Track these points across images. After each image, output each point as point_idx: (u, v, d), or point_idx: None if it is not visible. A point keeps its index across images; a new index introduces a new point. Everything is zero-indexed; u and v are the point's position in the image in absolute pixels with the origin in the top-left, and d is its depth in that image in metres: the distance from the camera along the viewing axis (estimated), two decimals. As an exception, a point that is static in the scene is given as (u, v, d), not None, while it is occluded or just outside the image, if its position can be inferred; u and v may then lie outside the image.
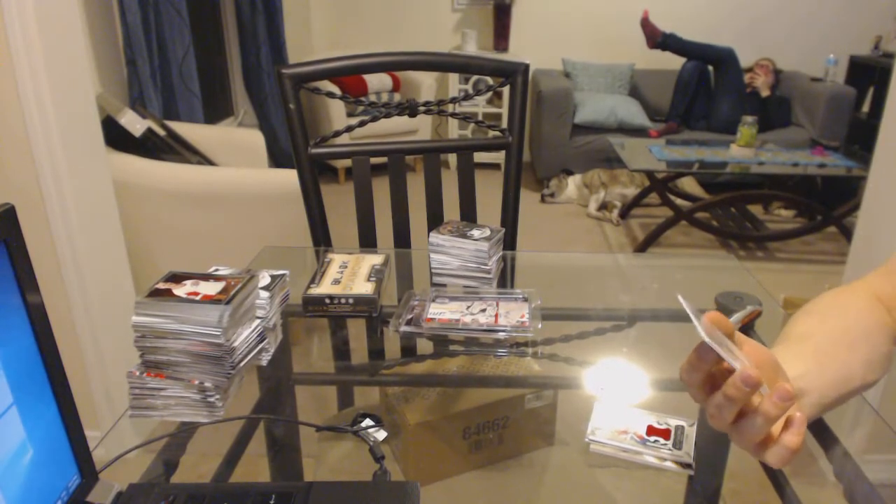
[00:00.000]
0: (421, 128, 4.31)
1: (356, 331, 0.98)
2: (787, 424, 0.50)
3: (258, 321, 0.79)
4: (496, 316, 0.92)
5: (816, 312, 0.64)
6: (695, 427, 0.70)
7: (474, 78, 4.41)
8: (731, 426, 0.51)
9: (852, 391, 0.57)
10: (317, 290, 0.96)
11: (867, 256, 1.75)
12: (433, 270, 1.05)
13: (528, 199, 4.12)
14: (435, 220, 1.35)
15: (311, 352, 0.97)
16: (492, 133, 1.39)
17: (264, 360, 0.81)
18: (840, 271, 2.28)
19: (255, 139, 2.77)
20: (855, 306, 0.63)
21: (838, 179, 3.77)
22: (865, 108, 4.56)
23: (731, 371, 0.50)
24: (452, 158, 4.24)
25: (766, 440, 0.51)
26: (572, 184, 4.09)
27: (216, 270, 0.80)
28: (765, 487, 0.67)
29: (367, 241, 1.34)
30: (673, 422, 0.70)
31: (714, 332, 0.51)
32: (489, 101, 4.67)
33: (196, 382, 0.71)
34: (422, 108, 1.32)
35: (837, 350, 0.58)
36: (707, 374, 0.52)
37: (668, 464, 0.65)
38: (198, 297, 0.71)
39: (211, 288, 0.73)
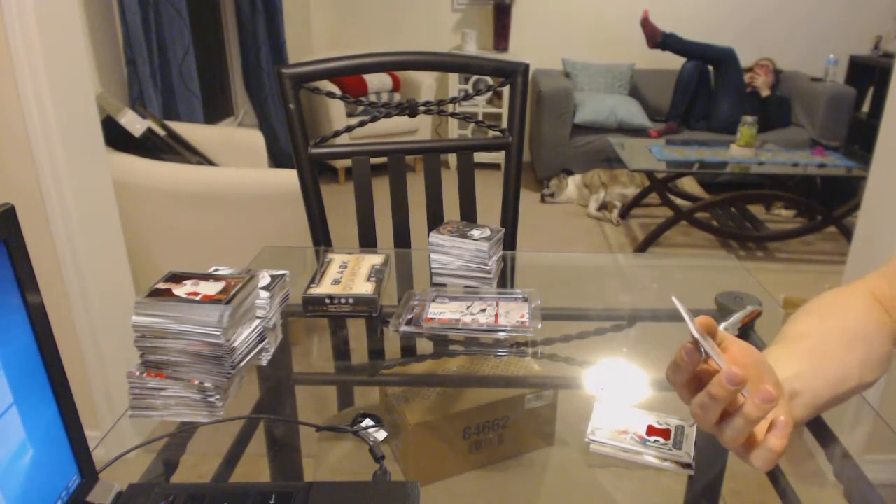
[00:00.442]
0: (421, 128, 4.31)
1: (356, 331, 0.98)
2: (772, 427, 0.50)
3: (258, 321, 0.79)
4: (496, 316, 0.92)
5: (815, 313, 0.64)
6: (695, 427, 0.70)
7: (474, 78, 4.41)
8: (716, 427, 0.51)
9: (849, 391, 0.57)
10: (317, 290, 0.96)
11: (867, 256, 1.75)
12: (433, 270, 1.05)
13: (528, 199, 4.12)
14: (435, 220, 1.35)
15: (311, 352, 0.97)
16: (492, 133, 1.39)
17: (264, 360, 0.81)
18: (840, 271, 2.28)
19: (255, 139, 2.77)
20: (854, 307, 0.63)
21: (838, 179, 3.77)
22: (865, 108, 4.55)
23: (716, 372, 0.50)
24: (452, 158, 4.24)
25: (750, 442, 0.51)
26: (572, 184, 4.09)
27: (216, 270, 0.80)
28: (765, 487, 0.67)
29: (367, 241, 1.34)
30: (673, 422, 0.70)
31: (703, 336, 0.51)
32: (489, 101, 4.67)
33: (196, 382, 0.71)
34: (422, 108, 1.32)
35: (834, 350, 0.58)
36: (692, 375, 0.52)
37: (668, 464, 0.65)
38: (198, 297, 0.71)
39: (211, 288, 0.73)
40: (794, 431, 0.52)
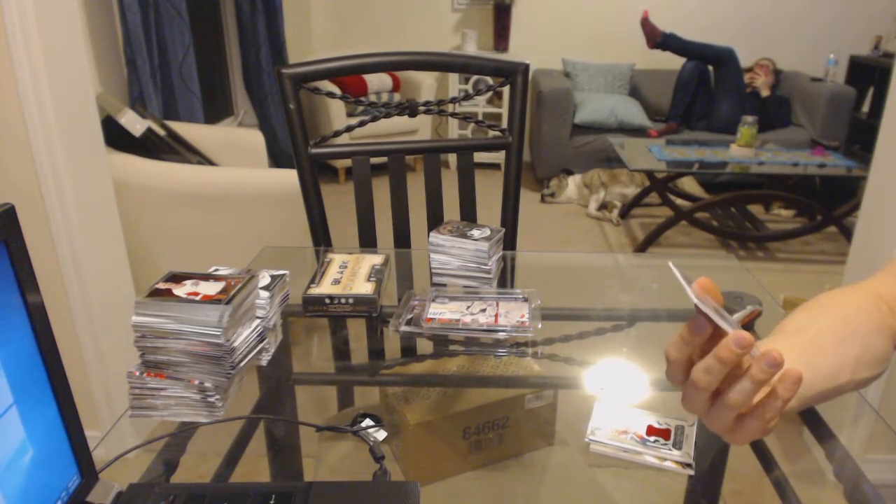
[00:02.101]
0: (421, 128, 4.31)
1: (356, 331, 0.98)
2: (769, 396, 0.51)
3: (258, 321, 0.79)
4: (496, 316, 0.92)
5: (814, 309, 0.64)
6: (695, 427, 0.70)
7: (474, 78, 4.41)
8: (708, 404, 0.51)
9: (841, 387, 0.57)
10: (317, 290, 0.96)
11: (867, 256, 1.75)
12: (433, 270, 1.05)
13: (528, 199, 4.12)
14: (435, 220, 1.35)
15: (311, 352, 0.97)
16: (492, 133, 1.39)
17: (264, 360, 0.81)
18: (840, 271, 2.28)
19: (255, 139, 2.77)
20: (855, 304, 0.63)
21: (838, 179, 3.77)
22: (865, 108, 4.56)
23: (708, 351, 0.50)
24: (452, 158, 4.24)
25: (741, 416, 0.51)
26: (572, 184, 4.09)
27: (216, 270, 0.80)
28: (765, 487, 0.67)
29: (367, 241, 1.34)
30: (673, 422, 0.70)
31: (705, 299, 0.51)
32: (489, 101, 4.67)
33: (196, 382, 0.71)
34: (422, 108, 1.32)
35: (829, 345, 0.58)
36: (702, 347, 0.52)
37: (668, 464, 0.65)
38: (198, 297, 0.71)
39: (211, 288, 0.73)
40: (787, 424, 0.52)
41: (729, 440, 0.53)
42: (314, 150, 1.29)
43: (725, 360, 0.49)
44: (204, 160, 2.44)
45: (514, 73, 1.32)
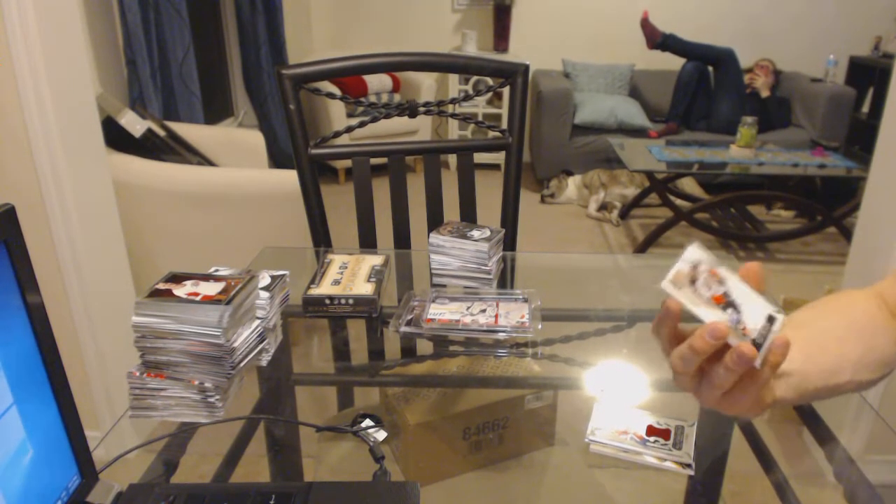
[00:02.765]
0: (421, 128, 4.31)
1: (356, 331, 0.98)
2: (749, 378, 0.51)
3: (258, 321, 0.79)
4: (496, 316, 0.92)
5: (818, 308, 0.64)
6: (695, 427, 0.70)
7: (474, 78, 4.41)
8: (694, 383, 0.52)
9: (840, 386, 0.57)
10: (317, 291, 0.96)
11: (867, 257, 1.75)
12: (433, 271, 1.05)
13: (528, 200, 4.12)
14: (435, 220, 1.35)
15: (311, 352, 0.97)
16: (492, 133, 1.39)
17: (264, 360, 0.81)
18: (840, 272, 2.28)
19: (255, 139, 2.77)
20: (859, 306, 0.63)
21: (838, 180, 3.77)
22: (865, 108, 4.56)
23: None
24: (452, 159, 4.24)
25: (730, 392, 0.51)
26: (572, 184, 4.09)
27: (216, 271, 0.80)
28: (765, 487, 0.67)
29: (367, 242, 1.34)
30: (673, 422, 0.71)
31: (729, 282, 0.51)
32: (489, 102, 4.67)
33: (196, 383, 0.71)
34: (422, 109, 1.32)
35: (831, 343, 0.58)
36: (673, 329, 0.53)
37: (668, 464, 0.65)
38: (198, 298, 0.71)
39: (211, 288, 0.73)
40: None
41: (722, 412, 0.53)
42: (314, 151, 1.29)
43: (698, 350, 0.49)
44: (204, 160, 2.44)
45: (513, 74, 1.32)
